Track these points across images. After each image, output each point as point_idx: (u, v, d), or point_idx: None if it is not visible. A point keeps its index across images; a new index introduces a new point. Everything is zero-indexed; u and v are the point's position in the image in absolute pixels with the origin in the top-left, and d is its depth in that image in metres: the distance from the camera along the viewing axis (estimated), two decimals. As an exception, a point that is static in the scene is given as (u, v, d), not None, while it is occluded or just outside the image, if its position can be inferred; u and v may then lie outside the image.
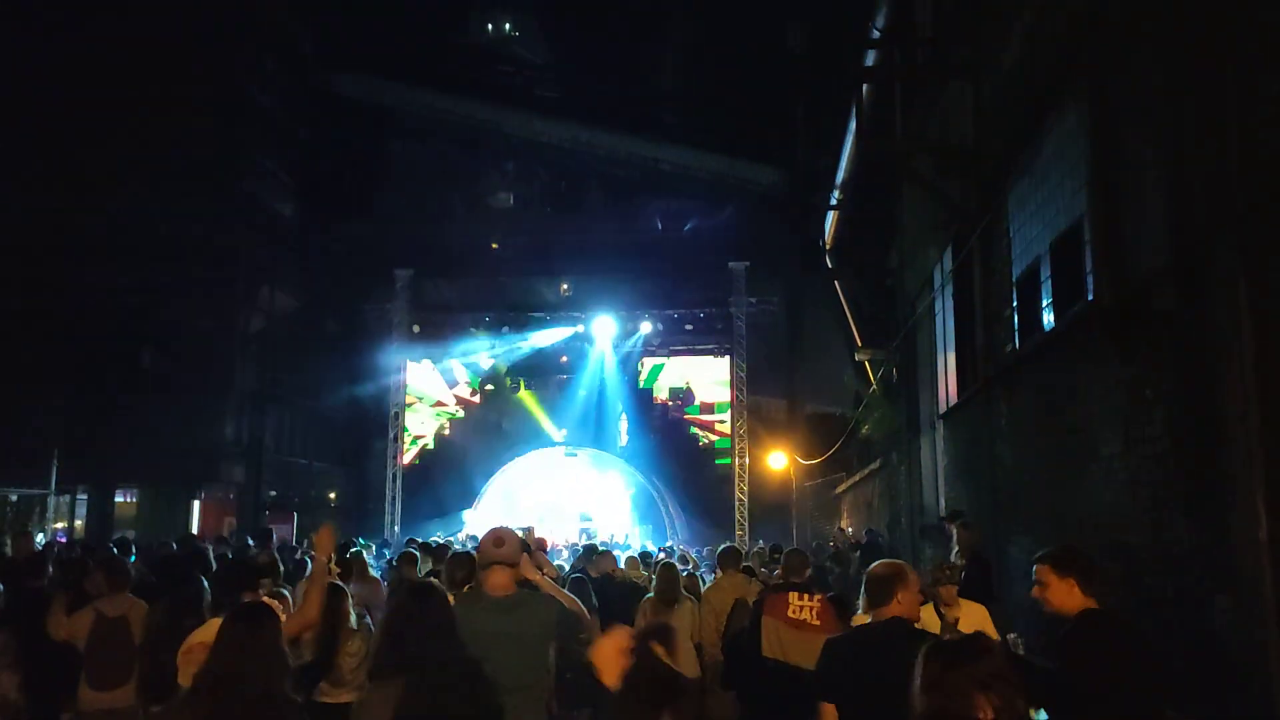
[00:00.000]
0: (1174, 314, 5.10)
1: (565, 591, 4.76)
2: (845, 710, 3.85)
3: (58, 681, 6.21)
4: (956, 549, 8.15)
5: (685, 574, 8.97)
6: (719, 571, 8.25)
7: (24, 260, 22.69)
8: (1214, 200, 4.73)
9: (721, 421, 27.42)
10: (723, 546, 9.08)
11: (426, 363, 27.82)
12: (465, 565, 5.85)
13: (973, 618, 5.19)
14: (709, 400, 27.69)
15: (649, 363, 27.87)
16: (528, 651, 4.17)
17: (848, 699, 3.85)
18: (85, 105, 23.32)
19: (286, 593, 5.65)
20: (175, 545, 11.51)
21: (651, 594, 7.64)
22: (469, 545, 12.82)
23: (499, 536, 4.41)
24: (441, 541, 13.40)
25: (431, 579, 5.83)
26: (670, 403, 27.91)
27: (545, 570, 4.80)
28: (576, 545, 19.14)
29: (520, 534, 4.75)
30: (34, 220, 23.21)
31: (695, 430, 27.73)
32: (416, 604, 3.80)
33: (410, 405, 27.57)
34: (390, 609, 4.18)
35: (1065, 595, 3.89)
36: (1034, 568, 4.06)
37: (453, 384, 28.14)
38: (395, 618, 3.88)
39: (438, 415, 28.06)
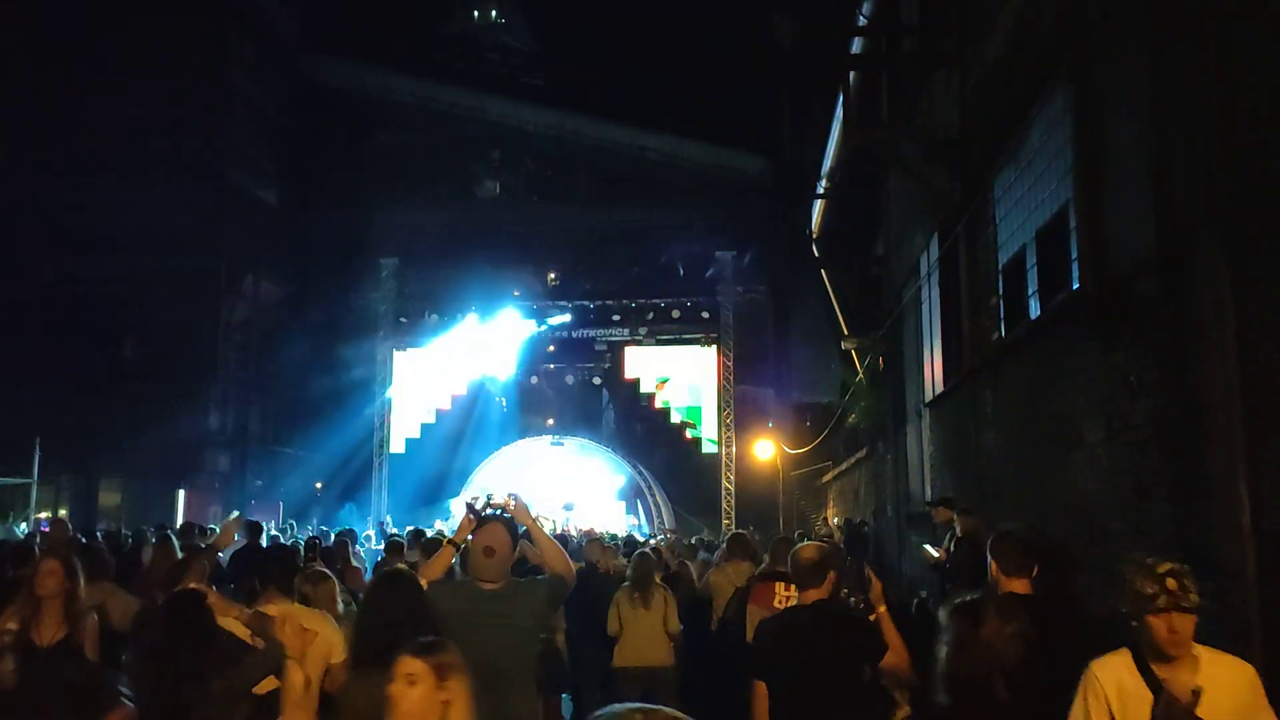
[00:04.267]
0: (1157, 302, 5.12)
1: (555, 542, 4.60)
2: (777, 688, 4.00)
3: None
4: (956, 534, 8.16)
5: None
6: (726, 558, 8.26)
7: (6, 249, 22.54)
8: (1197, 188, 4.75)
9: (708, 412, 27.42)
10: (730, 534, 9.13)
11: (412, 351, 27.74)
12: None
13: (1228, 681, 3.04)
14: (694, 389, 27.67)
15: (636, 351, 27.85)
16: (517, 637, 4.10)
17: (780, 677, 3.96)
18: (68, 95, 23.16)
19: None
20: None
21: (627, 583, 7.63)
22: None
23: (488, 545, 4.14)
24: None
25: (401, 566, 5.80)
26: (656, 392, 27.91)
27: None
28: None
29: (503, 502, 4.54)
30: (17, 209, 23.05)
31: (677, 417, 27.73)
32: (386, 591, 3.80)
33: (395, 394, 27.50)
34: (364, 597, 4.14)
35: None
36: None
37: (438, 372, 28.06)
38: (366, 606, 3.87)
39: (423, 404, 27.99)
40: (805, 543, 4.58)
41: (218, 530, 8.22)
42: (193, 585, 4.21)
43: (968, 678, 2.07)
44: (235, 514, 5.62)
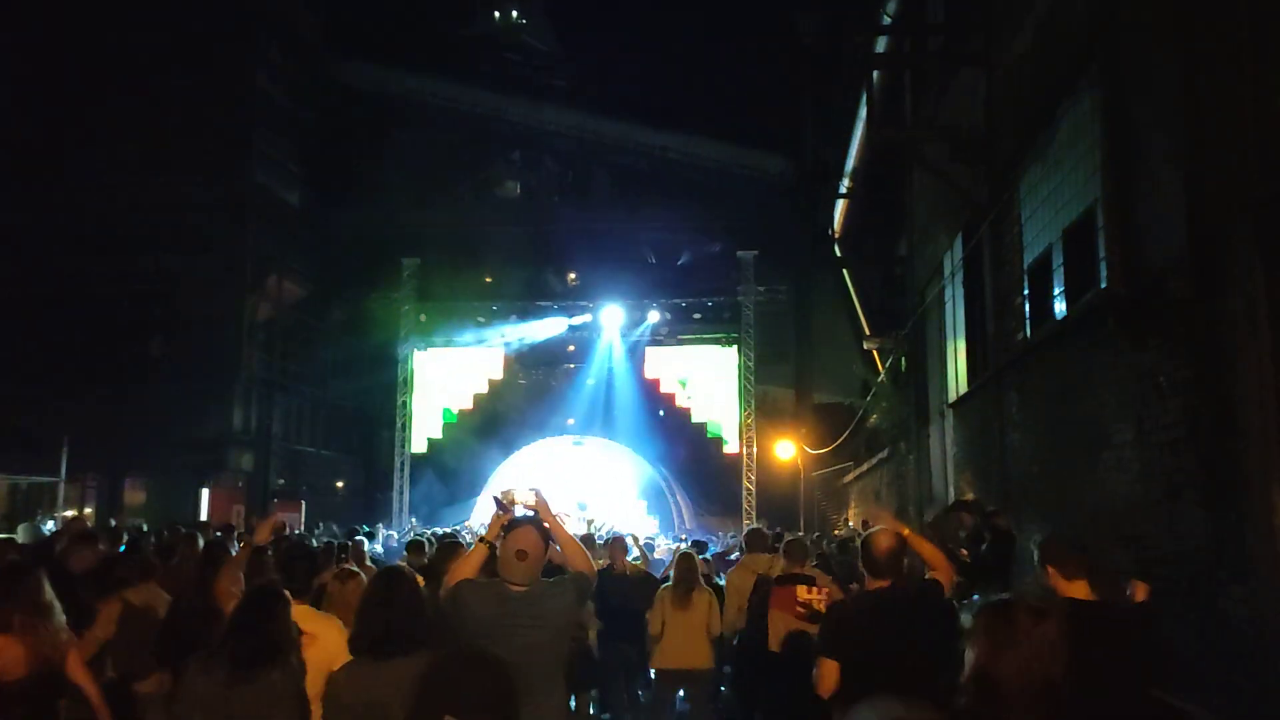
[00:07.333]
0: (1189, 302, 5.06)
1: (576, 540, 4.54)
2: (851, 669, 3.92)
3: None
4: (964, 534, 8.11)
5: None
6: (744, 553, 8.24)
7: (33, 249, 22.77)
8: (1230, 187, 4.69)
9: (728, 411, 27.35)
10: (749, 529, 9.14)
11: (433, 351, 27.80)
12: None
13: None
14: (715, 389, 27.60)
15: (657, 351, 27.81)
16: (548, 639, 4.05)
17: (857, 657, 3.91)
18: (94, 95, 23.36)
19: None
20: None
21: (669, 583, 7.58)
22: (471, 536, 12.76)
23: (521, 549, 4.06)
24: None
25: (401, 563, 5.79)
26: (677, 392, 27.87)
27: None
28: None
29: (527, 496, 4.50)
30: (44, 209, 23.28)
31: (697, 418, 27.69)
32: (384, 587, 3.81)
33: (417, 394, 27.57)
34: (363, 592, 4.12)
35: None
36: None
37: (460, 373, 28.12)
38: (364, 601, 3.89)
39: (445, 404, 28.05)
40: (877, 530, 4.44)
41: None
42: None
43: (1012, 683, 2.04)
44: (270, 513, 5.58)
